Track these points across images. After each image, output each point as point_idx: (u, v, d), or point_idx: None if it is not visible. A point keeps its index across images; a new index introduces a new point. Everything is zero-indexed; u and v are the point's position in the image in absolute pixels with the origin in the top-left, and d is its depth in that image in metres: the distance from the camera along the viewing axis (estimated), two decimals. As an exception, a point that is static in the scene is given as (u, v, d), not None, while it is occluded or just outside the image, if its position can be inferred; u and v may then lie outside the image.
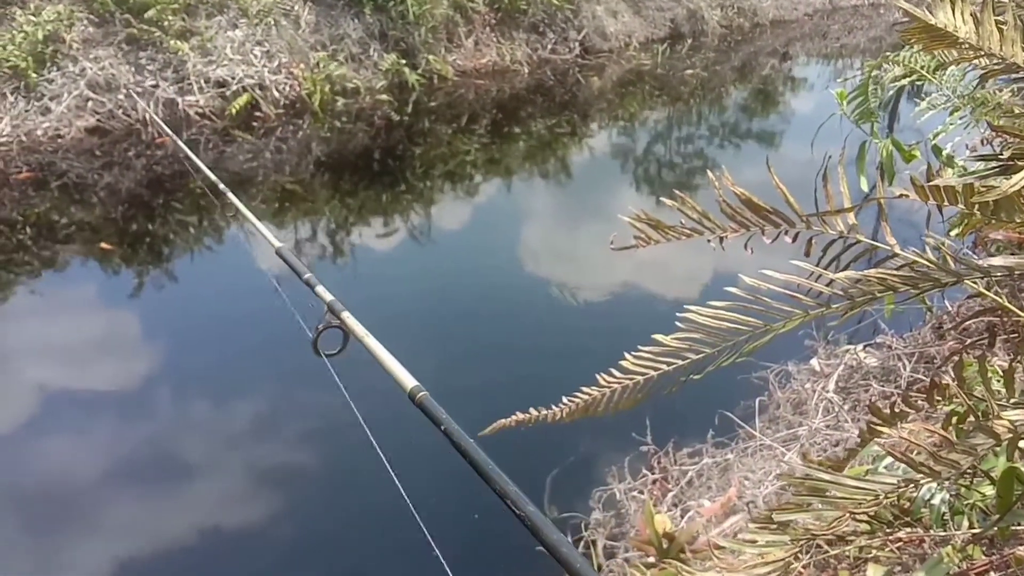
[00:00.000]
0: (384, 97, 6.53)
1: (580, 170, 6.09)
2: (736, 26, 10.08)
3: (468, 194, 5.44)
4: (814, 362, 2.64)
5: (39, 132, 5.29)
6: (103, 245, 4.24)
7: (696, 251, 3.92)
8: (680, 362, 0.87)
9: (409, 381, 1.03)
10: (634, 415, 2.28)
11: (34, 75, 5.27)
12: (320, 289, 1.34)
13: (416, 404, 0.98)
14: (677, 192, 0.95)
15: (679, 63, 8.87)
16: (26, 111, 5.30)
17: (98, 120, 5.49)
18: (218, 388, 3.00)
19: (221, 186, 2.41)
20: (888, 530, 1.04)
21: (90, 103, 5.46)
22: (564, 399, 0.97)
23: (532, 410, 0.99)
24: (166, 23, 5.69)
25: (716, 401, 2.46)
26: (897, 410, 0.85)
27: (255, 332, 3.29)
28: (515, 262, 4.31)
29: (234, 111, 5.78)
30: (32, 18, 5.34)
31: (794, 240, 0.90)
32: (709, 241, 0.92)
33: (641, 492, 2.18)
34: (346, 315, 1.25)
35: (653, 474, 2.26)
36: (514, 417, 1.02)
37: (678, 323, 0.87)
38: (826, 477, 0.72)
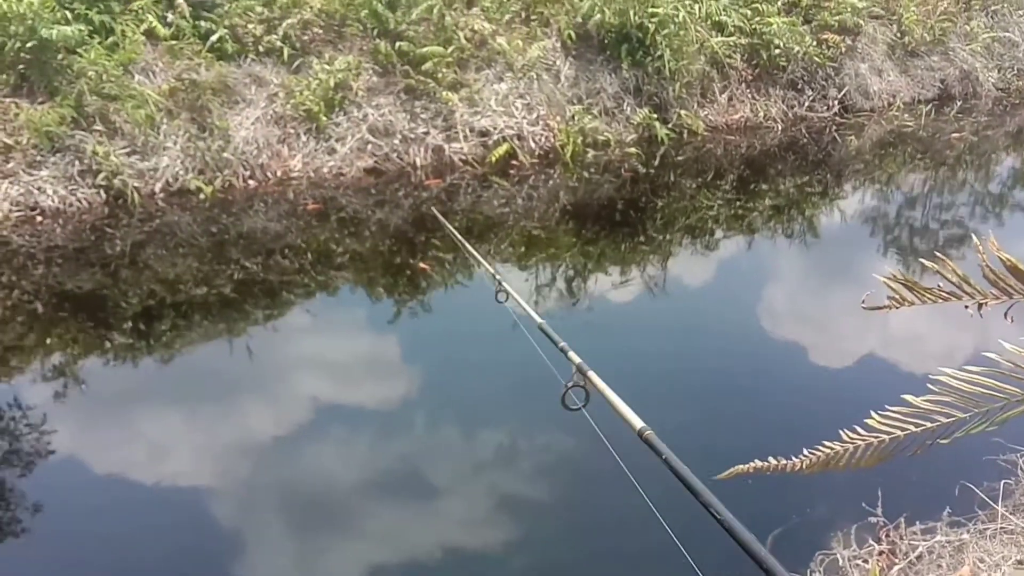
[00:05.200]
0: (632, 150, 6.48)
1: (828, 231, 5.71)
2: (1015, 89, 8.99)
3: (707, 249, 5.26)
4: (1072, 450, 2.49)
5: (325, 169, 5.86)
6: (422, 265, 4.68)
7: (943, 324, 3.74)
8: (928, 424, 0.87)
9: (637, 421, 1.24)
10: (865, 484, 2.35)
11: (324, 118, 5.87)
12: (572, 354, 1.63)
13: (643, 440, 1.19)
14: (938, 254, 0.94)
15: (946, 125, 8.01)
16: (315, 150, 5.90)
17: (375, 162, 5.98)
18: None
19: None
20: None
21: (369, 145, 5.98)
22: (805, 451, 0.99)
23: (771, 459, 1.02)
24: (440, 75, 6.13)
25: (955, 479, 2.39)
26: None
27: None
28: (751, 320, 4.17)
29: (494, 159, 6.03)
30: (326, 67, 5.97)
31: (1058, 312, 0.82)
32: (967, 307, 0.90)
33: (866, 561, 2.16)
34: (591, 374, 1.50)
35: (880, 545, 2.23)
36: (752, 464, 1.05)
37: (929, 385, 0.88)
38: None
